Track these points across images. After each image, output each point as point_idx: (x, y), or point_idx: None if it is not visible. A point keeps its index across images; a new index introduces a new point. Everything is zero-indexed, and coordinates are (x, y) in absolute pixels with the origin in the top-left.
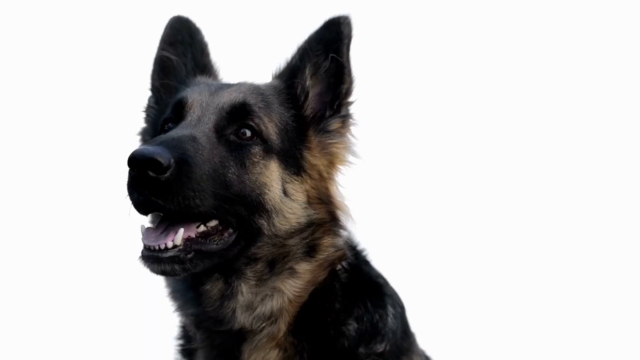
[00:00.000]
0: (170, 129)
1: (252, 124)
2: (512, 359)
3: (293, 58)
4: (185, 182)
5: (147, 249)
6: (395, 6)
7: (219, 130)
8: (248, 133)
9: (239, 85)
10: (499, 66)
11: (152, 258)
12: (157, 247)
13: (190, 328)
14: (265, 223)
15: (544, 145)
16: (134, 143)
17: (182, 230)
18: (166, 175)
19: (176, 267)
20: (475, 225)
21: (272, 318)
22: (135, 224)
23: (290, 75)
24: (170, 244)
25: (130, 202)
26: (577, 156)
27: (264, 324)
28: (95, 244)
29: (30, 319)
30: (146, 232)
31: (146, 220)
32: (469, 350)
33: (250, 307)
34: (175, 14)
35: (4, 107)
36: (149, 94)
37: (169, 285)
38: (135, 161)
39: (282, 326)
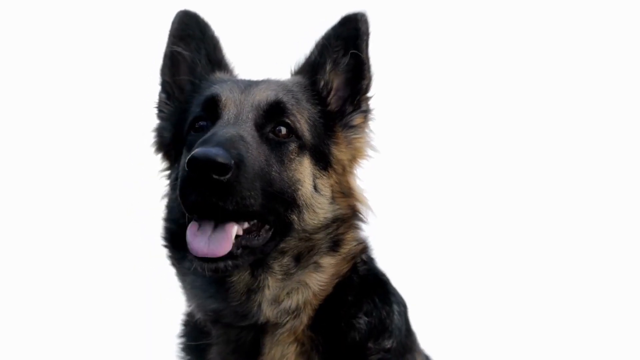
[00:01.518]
0: (202, 127)
1: (288, 121)
2: (512, 359)
3: (312, 54)
4: (243, 182)
5: None
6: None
7: (259, 129)
8: (284, 130)
9: (268, 82)
10: (509, 65)
11: (208, 258)
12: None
13: (205, 324)
14: (295, 218)
15: (553, 145)
16: (131, 142)
17: (236, 227)
18: (227, 176)
19: (229, 263)
20: (477, 225)
21: (296, 312)
22: (135, 224)
23: (312, 71)
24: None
25: (184, 203)
26: (590, 160)
27: (287, 318)
28: (95, 244)
29: (30, 319)
30: (195, 233)
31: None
32: (469, 351)
33: (276, 300)
34: (182, 8)
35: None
36: (159, 89)
37: (186, 283)
38: (200, 164)
39: (305, 319)
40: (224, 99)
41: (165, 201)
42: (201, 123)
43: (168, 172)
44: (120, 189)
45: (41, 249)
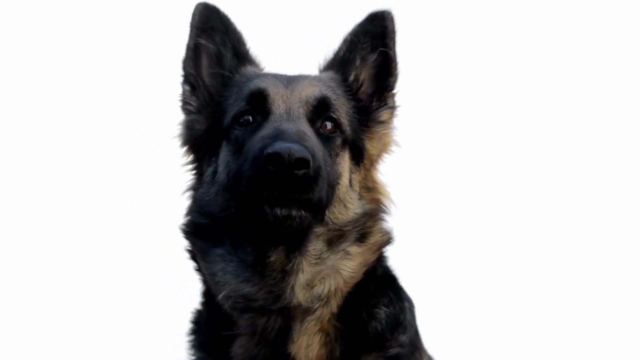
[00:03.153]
0: (249, 121)
1: (334, 116)
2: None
3: (340, 50)
4: (318, 175)
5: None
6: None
7: (312, 124)
8: (329, 125)
9: (308, 77)
10: (529, 63)
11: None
12: None
13: (232, 314)
14: (327, 212)
15: (575, 146)
16: (131, 142)
17: None
18: (307, 170)
19: (302, 213)
20: (478, 225)
21: (326, 298)
22: (135, 224)
23: (343, 67)
24: None
25: (254, 198)
26: (608, 166)
27: (318, 304)
28: (95, 244)
29: (30, 318)
30: None
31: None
32: (469, 350)
33: (309, 285)
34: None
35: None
36: (181, 82)
37: (216, 272)
38: (284, 159)
39: (334, 307)
40: (272, 93)
41: (191, 194)
42: (247, 117)
43: (194, 164)
44: (120, 189)
45: (41, 249)
